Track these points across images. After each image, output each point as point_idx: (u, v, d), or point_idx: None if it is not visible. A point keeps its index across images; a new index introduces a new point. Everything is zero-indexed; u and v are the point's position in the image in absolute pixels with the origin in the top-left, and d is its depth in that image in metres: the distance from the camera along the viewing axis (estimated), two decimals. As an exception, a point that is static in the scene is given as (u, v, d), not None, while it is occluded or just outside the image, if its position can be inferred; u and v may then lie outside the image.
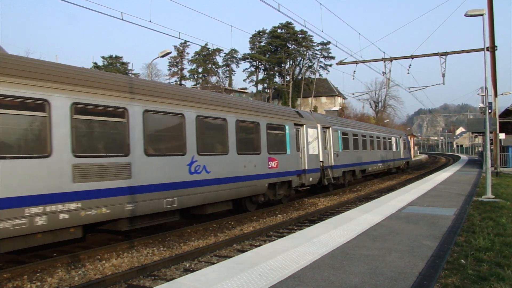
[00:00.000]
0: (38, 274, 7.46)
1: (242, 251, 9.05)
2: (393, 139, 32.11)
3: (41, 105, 7.60)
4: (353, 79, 28.43)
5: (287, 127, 15.18)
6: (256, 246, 9.27)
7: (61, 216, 7.70)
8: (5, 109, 7.12)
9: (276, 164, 14.37)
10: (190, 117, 10.73)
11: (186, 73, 76.34)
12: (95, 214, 8.30)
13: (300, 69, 76.29)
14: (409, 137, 48.16)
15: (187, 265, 8.16)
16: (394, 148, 31.94)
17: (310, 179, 16.75)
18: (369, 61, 25.65)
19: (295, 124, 15.86)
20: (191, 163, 10.67)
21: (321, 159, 17.99)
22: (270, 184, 14.08)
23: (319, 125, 18.14)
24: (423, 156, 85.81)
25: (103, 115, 8.74)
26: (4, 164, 6.95)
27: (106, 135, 8.95)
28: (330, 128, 19.53)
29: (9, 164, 7.01)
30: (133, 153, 9.14)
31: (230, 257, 8.10)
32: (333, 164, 19.41)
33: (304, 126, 16.58)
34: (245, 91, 67.95)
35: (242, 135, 12.81)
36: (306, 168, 16.39)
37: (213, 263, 7.55)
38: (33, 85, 7.50)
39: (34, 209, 7.29)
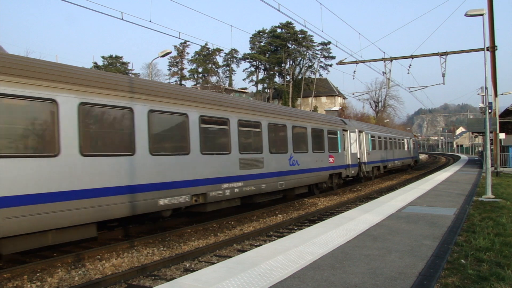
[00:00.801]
0: (38, 274, 7.46)
1: (242, 251, 9.05)
2: (405, 140, 36.76)
3: (224, 121, 12.24)
4: (353, 79, 28.64)
5: (338, 132, 20.29)
6: (256, 246, 9.28)
7: (235, 190, 12.31)
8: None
9: (333, 160, 19.35)
10: (292, 127, 16.10)
11: (186, 73, 76.44)
12: (249, 190, 12.96)
13: (300, 69, 76.33)
14: (412, 137, 50.64)
15: (187, 265, 8.17)
16: (406, 148, 36.64)
17: (352, 172, 21.74)
18: (369, 61, 25.65)
19: (342, 130, 20.92)
20: (290, 158, 15.58)
21: (358, 157, 22.82)
22: (329, 175, 19.15)
23: (356, 130, 22.94)
24: (423, 156, 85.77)
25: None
26: (211, 158, 11.49)
27: (257, 139, 13.81)
28: (363, 132, 24.09)
29: (214, 158, 11.60)
30: (264, 151, 13.91)
31: (230, 257, 8.10)
32: (366, 161, 23.96)
33: (348, 131, 21.61)
34: (245, 91, 67.97)
35: (315, 139, 17.71)
36: (350, 163, 21.38)
37: (213, 263, 7.56)
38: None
39: (225, 185, 11.87)
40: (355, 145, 22.50)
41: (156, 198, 9.62)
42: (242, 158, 12.72)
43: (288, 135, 15.56)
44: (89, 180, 8.17)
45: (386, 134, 29.91)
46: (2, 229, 6.85)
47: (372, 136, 25.83)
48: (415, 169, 40.09)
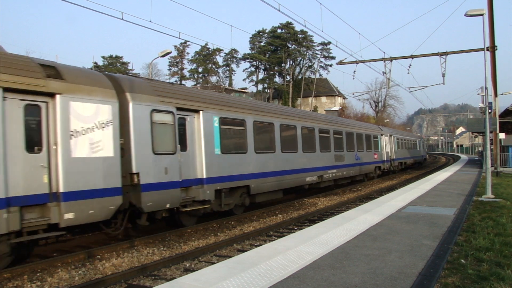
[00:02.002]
0: (38, 274, 7.46)
1: (243, 250, 9.05)
2: (417, 142, 44.82)
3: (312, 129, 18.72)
4: (353, 79, 28.70)
5: (378, 136, 28.59)
6: (256, 246, 9.28)
7: (333, 174, 19.74)
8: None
9: (376, 156, 27.36)
10: (356, 133, 24.01)
11: (186, 72, 76.37)
12: (339, 175, 20.45)
13: (300, 69, 76.25)
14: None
15: (187, 265, 8.17)
16: (418, 148, 44.13)
17: (386, 166, 29.81)
18: (369, 61, 25.63)
19: (380, 134, 29.12)
20: (355, 154, 23.38)
21: (390, 155, 30.84)
22: (375, 167, 27.10)
23: (388, 134, 31.11)
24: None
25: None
26: (325, 154, 19.36)
27: (340, 142, 21.26)
28: (392, 135, 32.12)
29: (325, 154, 19.17)
30: (344, 150, 21.59)
31: (230, 256, 8.10)
32: (394, 158, 31.86)
33: (383, 135, 29.81)
34: (245, 91, 67.92)
35: (367, 142, 25.75)
36: (385, 159, 29.51)
37: (213, 263, 7.55)
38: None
39: (329, 171, 19.32)
40: (388, 145, 30.57)
41: (304, 177, 17.02)
42: (335, 154, 20.42)
43: (354, 139, 23.51)
44: (281, 166, 15.36)
45: (405, 137, 38.20)
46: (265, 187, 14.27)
47: (397, 139, 33.64)
48: (415, 169, 40.33)
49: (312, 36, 72.10)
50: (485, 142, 20.25)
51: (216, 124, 11.97)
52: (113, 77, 9.71)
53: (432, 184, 17.48)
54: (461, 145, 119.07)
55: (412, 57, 24.62)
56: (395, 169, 32.41)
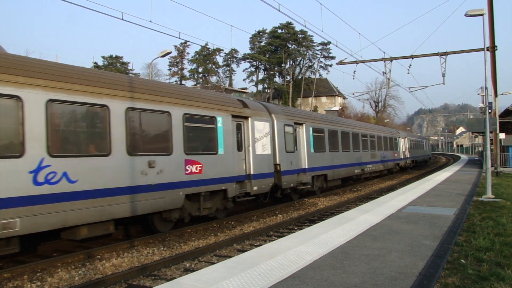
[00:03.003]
0: (38, 274, 7.46)
1: (243, 250, 9.05)
2: (424, 142, 51.57)
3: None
4: (353, 79, 28.66)
5: (397, 138, 33.86)
6: (257, 246, 9.28)
7: (371, 168, 25.60)
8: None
9: (396, 155, 32.86)
10: (383, 137, 29.71)
11: (186, 72, 76.38)
12: (373, 169, 26.26)
13: (300, 69, 76.25)
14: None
15: (187, 265, 8.17)
16: (424, 148, 50.48)
17: (403, 163, 35.28)
18: (369, 61, 25.61)
19: (398, 137, 34.50)
20: (383, 154, 28.52)
21: (405, 154, 36.29)
22: (395, 164, 32.34)
23: (403, 136, 36.61)
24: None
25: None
26: (365, 153, 24.77)
27: (373, 143, 27.14)
28: (407, 138, 37.82)
29: (364, 153, 24.80)
30: (375, 150, 27.04)
31: (230, 256, 8.10)
32: (408, 156, 37.32)
33: (400, 137, 34.98)
34: (245, 91, 67.89)
35: (390, 143, 31.12)
36: (402, 157, 34.92)
37: (213, 263, 7.55)
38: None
39: (368, 166, 25.03)
40: (403, 146, 36.07)
41: (354, 169, 22.43)
42: (371, 153, 25.77)
43: (382, 141, 28.81)
44: (341, 161, 20.75)
45: (415, 139, 44.85)
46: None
47: (410, 140, 39.62)
48: (415, 169, 40.41)
49: (312, 36, 72.21)
50: (485, 142, 20.25)
51: (311, 132, 17.56)
52: (265, 105, 15.16)
53: (432, 184, 17.47)
54: (461, 145, 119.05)
55: (412, 57, 24.60)
56: (408, 166, 38.16)
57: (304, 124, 17.02)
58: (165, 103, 10.01)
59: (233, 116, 12.56)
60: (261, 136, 13.68)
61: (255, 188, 13.19)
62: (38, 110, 7.40)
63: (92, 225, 8.38)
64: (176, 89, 11.43)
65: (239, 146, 12.88)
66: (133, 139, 9.11)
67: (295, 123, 16.36)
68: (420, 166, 46.04)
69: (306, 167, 16.73)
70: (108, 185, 8.37)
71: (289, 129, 15.69)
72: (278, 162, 14.47)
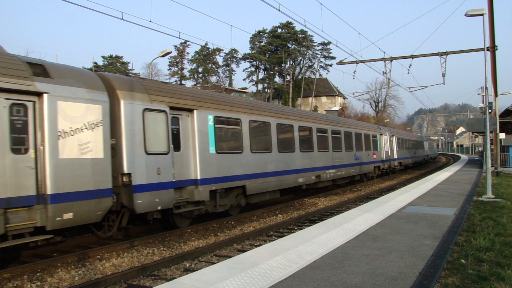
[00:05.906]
0: (38, 274, 7.46)
1: (243, 250, 9.05)
2: (423, 142, 52.66)
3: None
4: (354, 78, 28.66)
5: (377, 135, 28.83)
6: (256, 246, 9.27)
7: (329, 175, 19.31)
8: None
9: (375, 156, 27.83)
10: (355, 133, 24.48)
11: (186, 72, 76.36)
12: (338, 174, 20.43)
13: (301, 69, 76.22)
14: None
15: (187, 265, 8.16)
16: (424, 148, 51.52)
17: (386, 166, 30.53)
18: (369, 60, 25.62)
19: (379, 134, 29.39)
20: (355, 154, 23.18)
21: (389, 154, 32.16)
22: (374, 167, 27.19)
23: (388, 134, 31.99)
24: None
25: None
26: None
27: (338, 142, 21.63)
28: (394, 136, 33.81)
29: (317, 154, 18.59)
30: (343, 150, 21.95)
31: (230, 256, 8.10)
32: (395, 157, 34.36)
33: (383, 134, 30.18)
34: (245, 91, 67.92)
35: (365, 141, 25.74)
36: (384, 159, 30.26)
37: (213, 263, 7.55)
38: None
39: (326, 171, 19.02)
40: (387, 146, 31.82)
41: (297, 177, 16.36)
42: (333, 154, 20.07)
43: (353, 139, 23.13)
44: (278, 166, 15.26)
45: (408, 138, 41.36)
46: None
47: (399, 139, 36.89)
48: (415, 169, 40.39)
49: (312, 36, 72.13)
50: (485, 142, 20.24)
51: (210, 123, 11.73)
52: (102, 75, 9.87)
53: (432, 184, 17.47)
54: (461, 145, 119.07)
55: (412, 57, 24.61)
56: (395, 169, 32.64)
57: (195, 111, 11.24)
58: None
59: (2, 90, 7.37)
60: (80, 127, 8.47)
61: (65, 216, 7.96)
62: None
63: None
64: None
65: (19, 146, 7.61)
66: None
67: (175, 108, 10.73)
68: (420, 166, 45.89)
69: (199, 177, 11.08)
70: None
71: (156, 116, 10.13)
72: (126, 171, 9.20)
